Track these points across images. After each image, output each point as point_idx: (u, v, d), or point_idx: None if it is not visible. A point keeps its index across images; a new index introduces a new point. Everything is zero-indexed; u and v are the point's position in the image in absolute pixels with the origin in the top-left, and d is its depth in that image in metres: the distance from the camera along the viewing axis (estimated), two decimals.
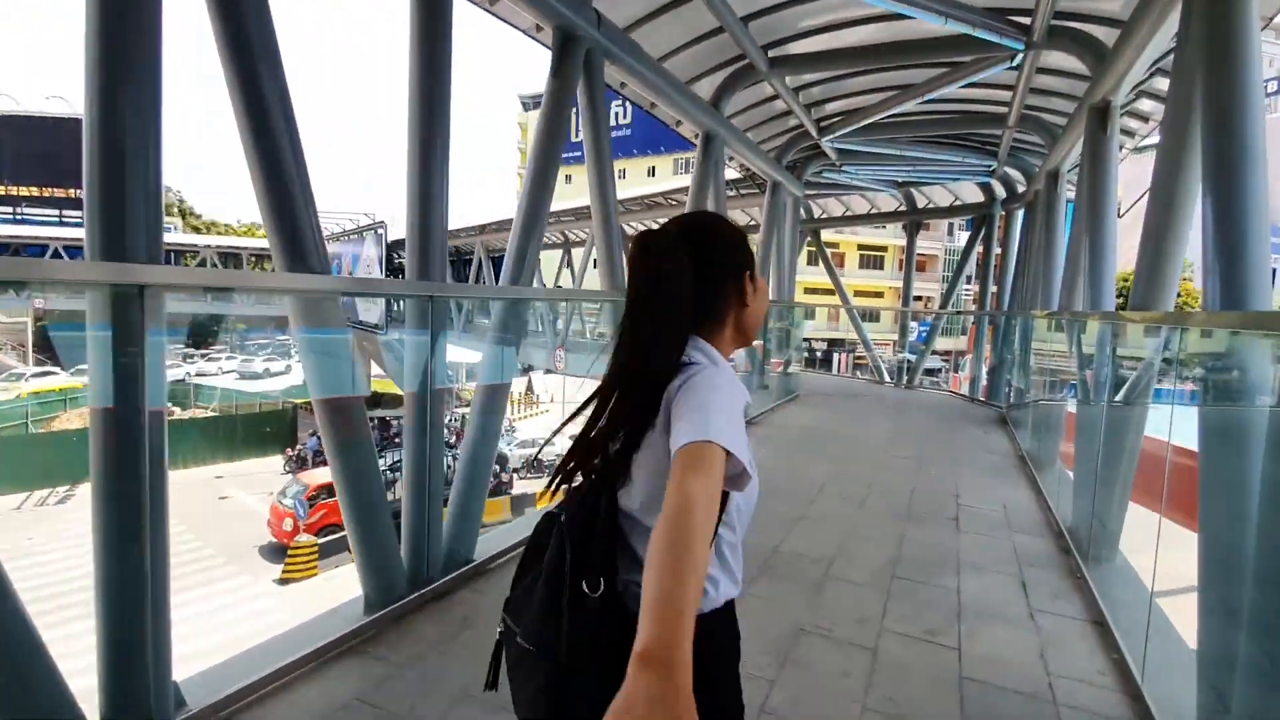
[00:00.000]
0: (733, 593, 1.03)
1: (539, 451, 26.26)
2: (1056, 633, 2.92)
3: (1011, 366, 9.25)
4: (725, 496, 0.93)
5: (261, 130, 2.40)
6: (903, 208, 12.72)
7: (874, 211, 13.53)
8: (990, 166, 9.32)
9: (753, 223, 16.79)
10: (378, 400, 33.82)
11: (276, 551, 17.11)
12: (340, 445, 2.59)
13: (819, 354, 39.71)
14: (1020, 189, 10.26)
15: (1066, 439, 5.84)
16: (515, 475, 25.44)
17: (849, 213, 13.90)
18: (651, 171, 50.67)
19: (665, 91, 5.56)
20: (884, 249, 44.62)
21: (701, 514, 0.73)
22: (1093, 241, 4.63)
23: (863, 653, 2.68)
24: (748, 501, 1.04)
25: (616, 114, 58.84)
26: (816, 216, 14.33)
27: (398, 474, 15.17)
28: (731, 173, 10.88)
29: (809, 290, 39.17)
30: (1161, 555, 2.84)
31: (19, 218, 36.55)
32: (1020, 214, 10.42)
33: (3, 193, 38.47)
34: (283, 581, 15.90)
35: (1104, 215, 4.63)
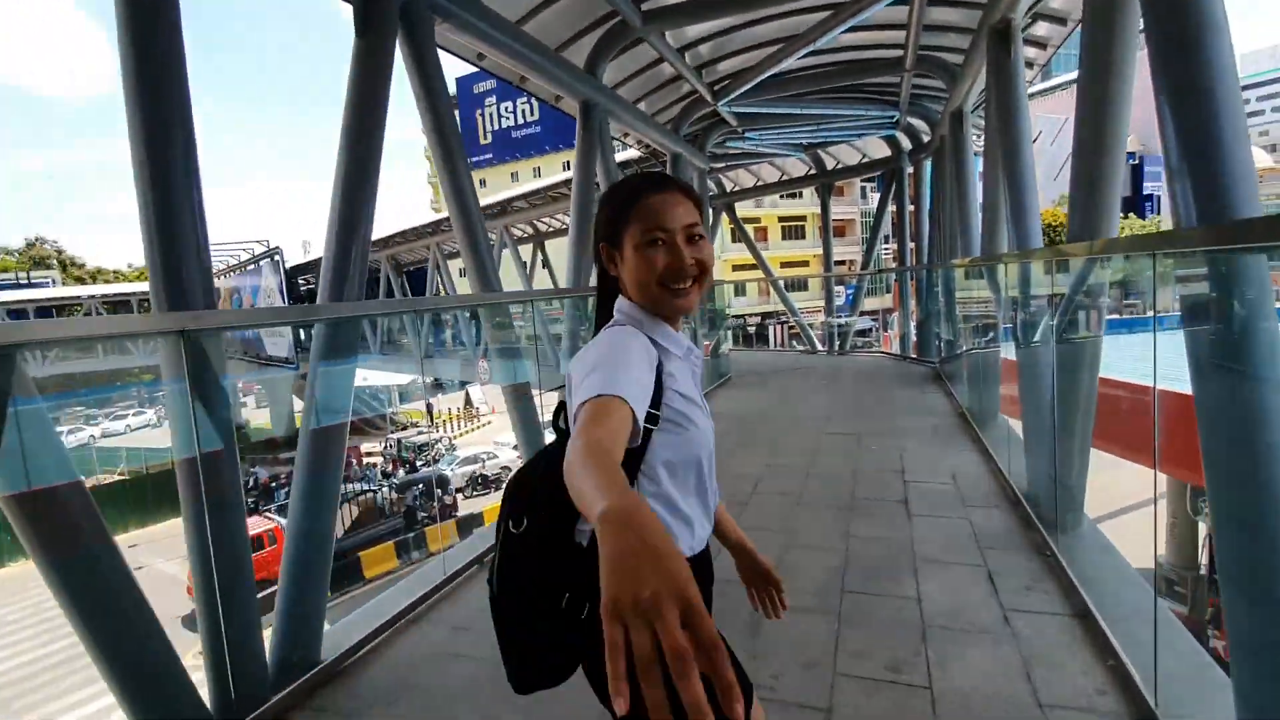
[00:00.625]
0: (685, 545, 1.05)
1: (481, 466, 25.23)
2: (1038, 639, 2.42)
3: (938, 320, 9.02)
4: (640, 446, 0.96)
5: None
6: (813, 171, 12.39)
7: (785, 178, 13.18)
8: (893, 117, 9.01)
9: None
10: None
11: None
12: (57, 558, 1.81)
13: (752, 330, 39.79)
14: (926, 138, 10.03)
15: (1006, 390, 5.50)
16: (460, 495, 24.36)
17: (760, 182, 13.50)
18: (566, 166, 49.82)
19: (529, 58, 4.84)
20: (804, 218, 45.22)
21: (575, 458, 0.74)
22: (1010, 174, 4.21)
23: (815, 717, 2.09)
24: (681, 454, 1.03)
25: (523, 111, 57.63)
26: (729, 190, 13.89)
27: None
28: (633, 152, 10.26)
29: (738, 267, 39.27)
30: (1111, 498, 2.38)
31: None
32: (929, 165, 10.21)
33: None
34: None
35: (1018, 144, 4.21)
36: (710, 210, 11.45)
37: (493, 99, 59.27)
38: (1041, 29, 5.79)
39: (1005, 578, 2.90)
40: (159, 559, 20.43)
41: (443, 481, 22.26)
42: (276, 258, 22.73)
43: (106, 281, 46.05)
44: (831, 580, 2.96)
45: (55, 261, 45.22)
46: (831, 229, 13.42)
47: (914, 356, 10.08)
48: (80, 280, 43.72)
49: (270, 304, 23.17)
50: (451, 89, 60.41)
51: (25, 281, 34.99)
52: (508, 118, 59.44)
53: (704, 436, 1.05)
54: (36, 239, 45.96)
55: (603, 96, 5.57)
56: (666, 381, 1.00)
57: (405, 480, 23.14)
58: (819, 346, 12.92)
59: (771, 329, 40.55)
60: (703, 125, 8.91)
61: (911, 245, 10.82)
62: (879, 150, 11.40)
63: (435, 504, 21.19)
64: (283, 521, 18.02)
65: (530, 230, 19.44)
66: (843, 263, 43.34)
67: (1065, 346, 3.27)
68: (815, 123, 8.99)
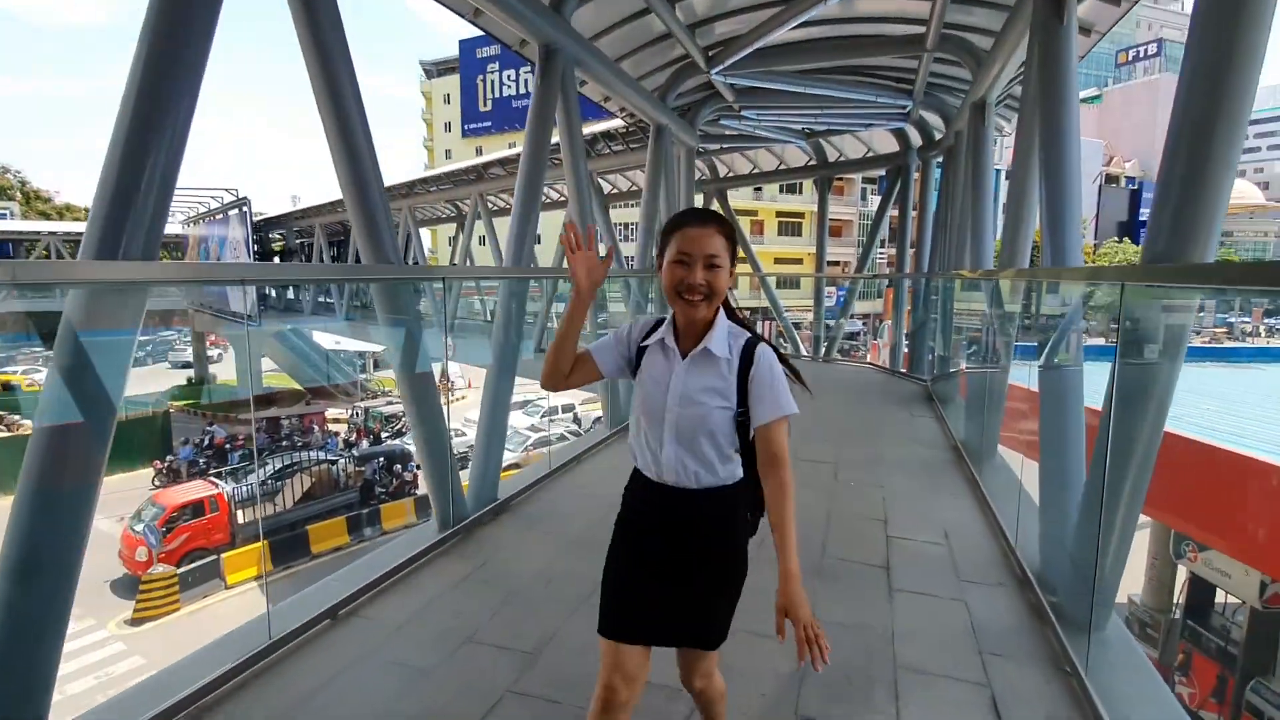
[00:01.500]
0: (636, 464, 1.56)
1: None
2: None
3: (933, 333, 8.28)
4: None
5: None
6: (813, 161, 11.53)
7: (783, 168, 12.31)
8: (905, 108, 8.18)
9: (633, 188, 14.99)
10: (271, 399, 30.69)
11: (132, 586, 14.71)
12: None
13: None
14: (938, 136, 9.21)
15: (1014, 422, 4.76)
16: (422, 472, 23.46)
17: (756, 169, 12.62)
18: None
19: None
20: (802, 215, 44.49)
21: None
22: (1050, 173, 3.40)
23: None
24: (634, 410, 1.54)
25: (525, 80, 56.03)
26: (723, 175, 13.00)
27: (281, 484, 12.87)
28: (617, 121, 9.36)
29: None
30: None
31: None
32: (938, 165, 9.39)
33: None
34: (135, 621, 13.63)
35: (1063, 136, 3.40)
36: (694, 187, 10.55)
37: (495, 65, 57.50)
38: (1087, 8, 4.95)
39: (1015, 708, 2.14)
40: (98, 515, 19.49)
41: (404, 456, 21.33)
42: (244, 208, 21.45)
43: (76, 219, 44.16)
44: (783, 695, 2.18)
45: (19, 194, 43.18)
46: (828, 227, 12.60)
47: (904, 371, 9.35)
48: (45, 215, 41.82)
49: (236, 258, 21.97)
50: (454, 50, 58.64)
51: None
52: (509, 86, 57.75)
53: (645, 403, 1.49)
54: (1, 168, 43.90)
55: (570, 41, 4.68)
56: (641, 364, 1.52)
57: (366, 452, 22.19)
58: (803, 351, 12.16)
59: (760, 325, 39.87)
60: (695, 97, 8.02)
61: (911, 251, 10.04)
62: (885, 145, 10.57)
63: (395, 478, 20.28)
64: (227, 488, 17.08)
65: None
66: (837, 264, 42.73)
67: (1125, 379, 2.45)
68: (819, 105, 8.14)
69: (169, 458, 22.37)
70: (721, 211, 13.93)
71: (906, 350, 9.96)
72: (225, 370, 36.10)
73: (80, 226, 34.89)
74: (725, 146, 11.18)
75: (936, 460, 5.02)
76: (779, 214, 43.92)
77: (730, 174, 13.04)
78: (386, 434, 26.17)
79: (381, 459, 21.34)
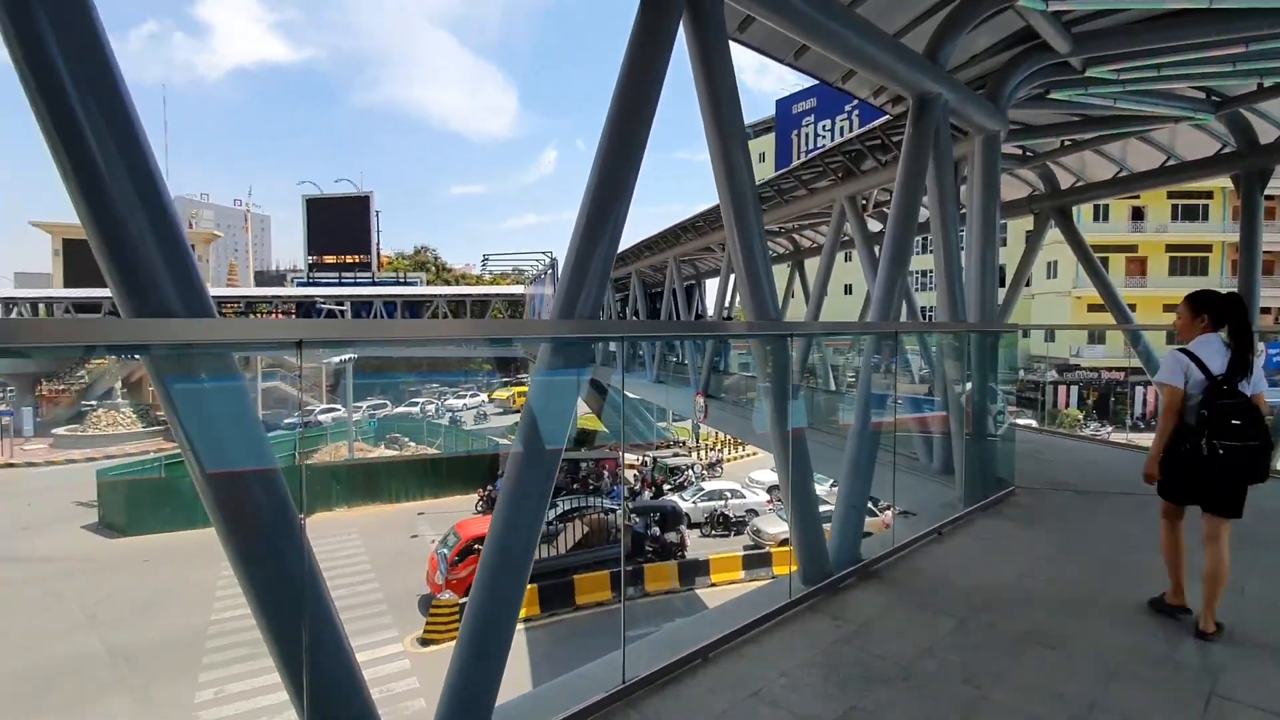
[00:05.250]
0: None
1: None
2: None
3: None
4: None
5: None
6: (1229, 148, 7.27)
7: (1170, 164, 7.99)
8: None
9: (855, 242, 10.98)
10: (581, 439, 33.55)
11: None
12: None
13: (1093, 396, 30.30)
14: None
15: None
16: (697, 532, 22.47)
17: (1125, 172, 8.48)
18: None
19: None
20: (1207, 248, 33.52)
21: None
22: None
23: None
24: None
25: (841, 128, 54.27)
26: (1065, 187, 9.17)
27: (561, 526, 12.77)
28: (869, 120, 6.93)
29: (1094, 307, 30.29)
30: None
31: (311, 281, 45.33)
32: None
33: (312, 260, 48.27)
34: (424, 641, 14.85)
35: None
36: (996, 193, 7.38)
37: (810, 118, 57.14)
38: None
39: None
40: (433, 531, 22.64)
41: (676, 515, 20.49)
42: (555, 269, 23.83)
43: (468, 284, 56.00)
44: None
45: (433, 266, 56.82)
46: (1260, 258, 7.82)
47: None
48: (446, 283, 54.27)
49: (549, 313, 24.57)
50: (770, 111, 59.96)
51: (402, 280, 44.97)
52: (824, 136, 56.65)
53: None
54: (421, 247, 58.75)
55: None
56: None
57: (645, 505, 21.99)
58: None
59: (1138, 395, 30.36)
60: (998, 59, 5.31)
61: None
62: None
63: (653, 541, 19.33)
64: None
65: (787, 246, 16.21)
66: (1268, 310, 30.93)
67: None
68: (1244, 35, 4.68)
69: (488, 487, 25.30)
70: (1063, 236, 10.03)
71: None
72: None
73: (456, 290, 44.15)
74: (1067, 142, 7.76)
75: None
76: (1169, 247, 33.61)
77: (1079, 183, 9.09)
78: (669, 487, 25.96)
79: (657, 514, 20.90)
